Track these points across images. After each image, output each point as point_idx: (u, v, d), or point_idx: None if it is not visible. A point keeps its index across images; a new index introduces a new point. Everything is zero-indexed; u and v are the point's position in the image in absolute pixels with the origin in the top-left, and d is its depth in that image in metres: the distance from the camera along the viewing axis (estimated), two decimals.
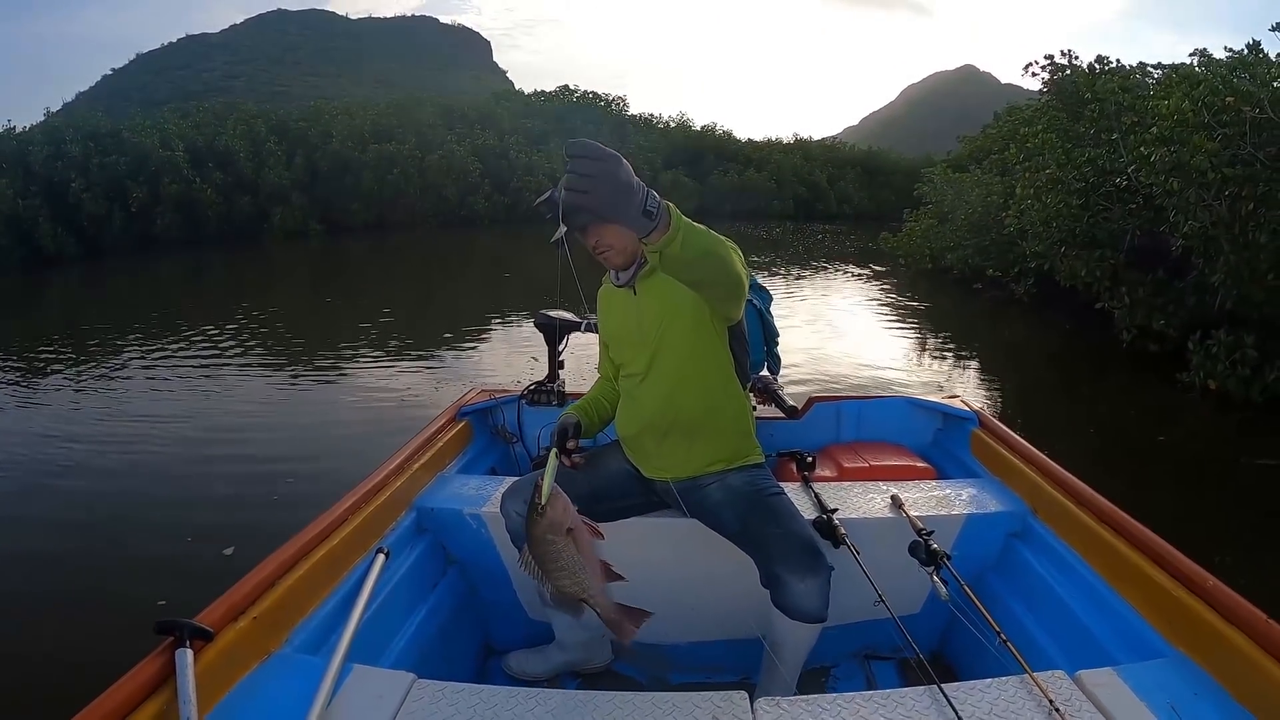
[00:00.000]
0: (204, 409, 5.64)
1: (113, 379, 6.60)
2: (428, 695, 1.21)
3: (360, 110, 27.78)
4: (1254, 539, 3.29)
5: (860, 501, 1.82)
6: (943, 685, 1.18)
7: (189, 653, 1.12)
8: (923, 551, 1.55)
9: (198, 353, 7.47)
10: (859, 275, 13.70)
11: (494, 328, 8.71)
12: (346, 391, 6.10)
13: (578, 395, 1.97)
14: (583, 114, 33.01)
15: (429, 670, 1.29)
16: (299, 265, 17.23)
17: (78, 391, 6.24)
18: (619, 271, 1.62)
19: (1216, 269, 5.50)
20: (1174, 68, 8.59)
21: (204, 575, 2.82)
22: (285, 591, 1.38)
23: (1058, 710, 1.13)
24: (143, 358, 7.36)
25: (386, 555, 1.63)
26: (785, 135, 42.39)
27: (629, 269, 1.59)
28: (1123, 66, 9.46)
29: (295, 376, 6.68)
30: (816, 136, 41.35)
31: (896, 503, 1.78)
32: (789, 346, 5.93)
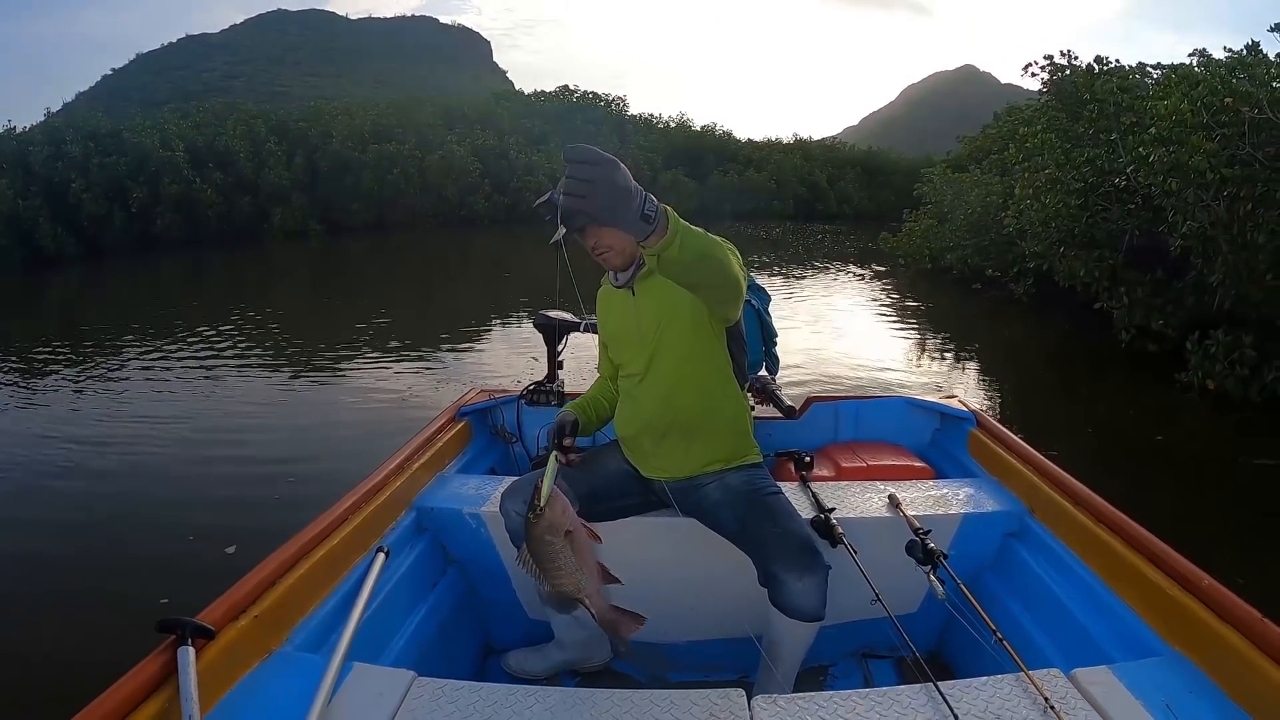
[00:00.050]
0: (204, 409, 5.65)
1: (113, 379, 6.61)
2: (428, 693, 1.22)
3: (360, 110, 27.81)
4: (1252, 539, 3.29)
5: (858, 501, 1.83)
6: (939, 683, 1.19)
7: (191, 651, 1.13)
8: (920, 551, 1.56)
9: (198, 353, 7.48)
10: (859, 275, 13.70)
11: (494, 328, 8.72)
12: (346, 391, 6.11)
13: (577, 395, 1.97)
14: (583, 114, 33.04)
15: (429, 669, 1.30)
16: (299, 265, 17.24)
17: (78, 392, 6.25)
18: (618, 272, 1.63)
19: (1215, 269, 5.50)
20: (1173, 68, 8.60)
21: (206, 574, 2.82)
22: (286, 590, 1.39)
23: (1053, 708, 1.13)
24: (143, 358, 7.37)
25: (386, 554, 1.64)
26: (785, 135, 42.48)
27: (628, 270, 1.61)
28: (1122, 67, 9.47)
29: (295, 376, 6.69)
30: (816, 136, 41.47)
31: (894, 502, 1.79)
32: (788, 347, 5.94)
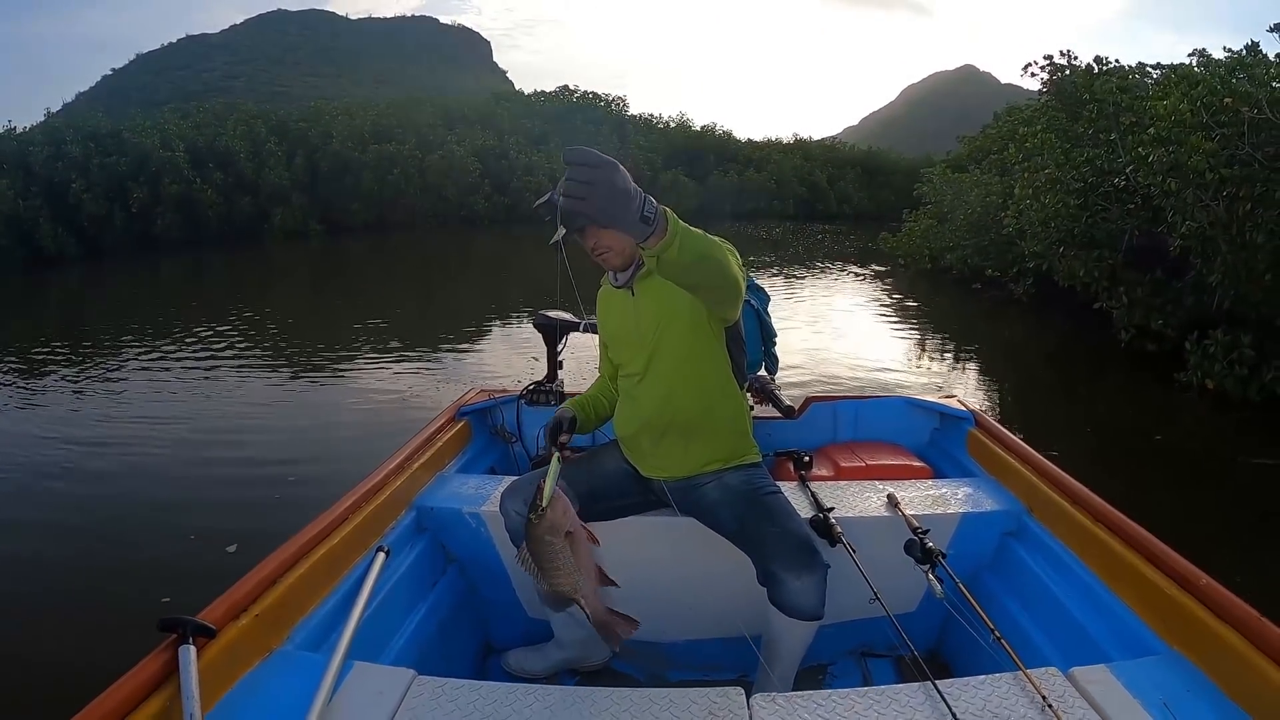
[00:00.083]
0: (204, 409, 5.65)
1: (113, 379, 6.62)
2: (428, 691, 1.22)
3: (360, 110, 27.82)
4: (1250, 538, 3.30)
5: (857, 500, 1.83)
6: (937, 682, 1.20)
7: (192, 649, 1.14)
8: (918, 550, 1.56)
9: (198, 353, 7.48)
10: (859, 275, 13.71)
11: (494, 328, 8.72)
12: (347, 391, 6.12)
13: (577, 395, 1.98)
14: (583, 114, 33.04)
15: (429, 668, 1.31)
16: (299, 265, 17.24)
17: (78, 392, 6.25)
18: (617, 273, 1.64)
19: (1214, 269, 5.51)
20: (1173, 68, 8.61)
21: (207, 573, 2.83)
22: (287, 589, 1.40)
23: (1050, 706, 1.14)
24: (143, 358, 7.38)
25: (387, 554, 1.64)
26: (785, 135, 42.45)
27: (627, 270, 1.61)
28: (1121, 67, 9.47)
29: (295, 376, 6.70)
30: (816, 136, 41.45)
31: (893, 502, 1.79)
32: (788, 347, 5.95)
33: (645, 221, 1.06)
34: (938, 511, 1.79)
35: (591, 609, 1.30)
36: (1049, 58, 9.25)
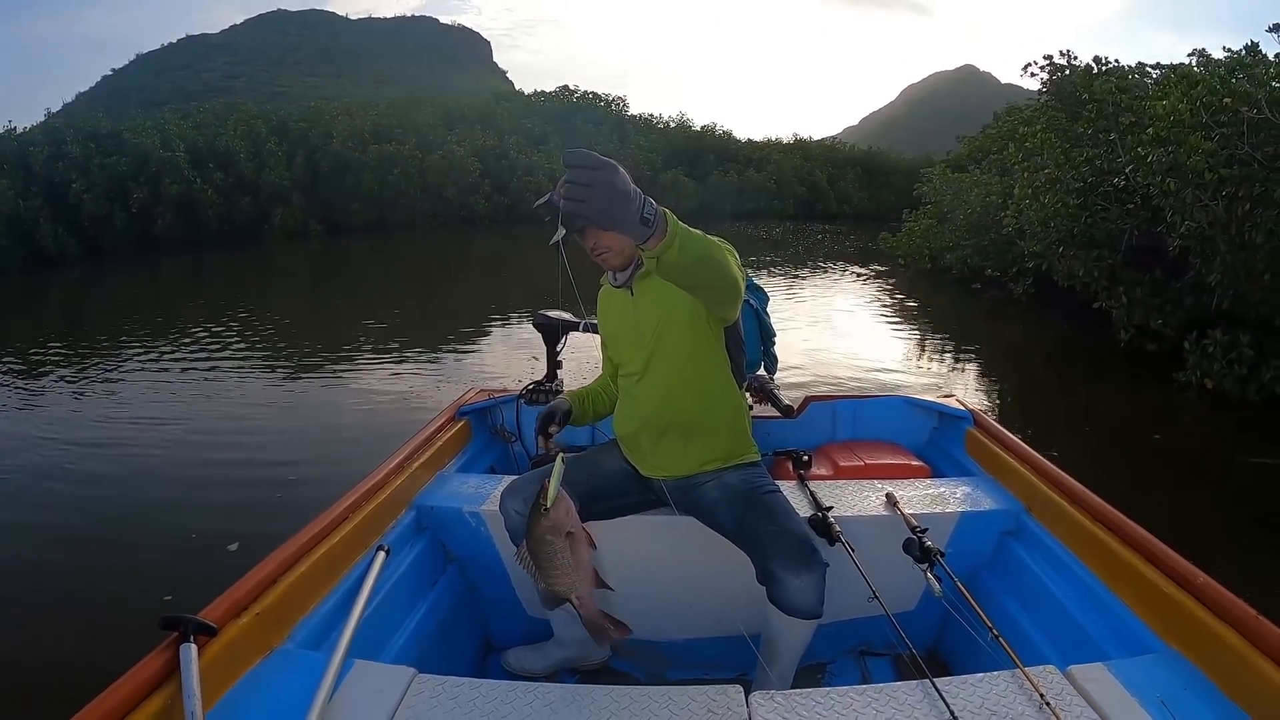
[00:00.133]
0: (205, 409, 5.66)
1: (113, 379, 6.62)
2: (428, 690, 1.23)
3: (360, 111, 27.83)
4: (1249, 537, 3.31)
5: (855, 499, 1.84)
6: (936, 680, 1.20)
7: (193, 648, 1.14)
8: (917, 549, 1.57)
9: (198, 353, 7.49)
10: (859, 275, 13.71)
11: (494, 328, 8.73)
12: (347, 391, 6.12)
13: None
14: (583, 114, 33.03)
15: (429, 667, 1.31)
16: (299, 265, 17.25)
17: (78, 393, 6.26)
18: (616, 273, 1.64)
19: (1213, 269, 5.51)
20: (1172, 68, 8.61)
21: (209, 571, 2.84)
22: (287, 588, 1.40)
23: (1049, 704, 1.14)
24: (143, 358, 7.38)
25: (387, 553, 1.64)
26: (785, 135, 42.43)
27: (626, 270, 1.62)
28: (1120, 66, 9.47)
29: (296, 376, 6.70)
30: (816, 136, 41.43)
31: (891, 501, 1.79)
32: (788, 347, 5.94)
33: (645, 223, 1.07)
34: (936, 511, 1.80)
35: (585, 610, 1.31)
36: (1049, 58, 9.26)
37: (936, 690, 1.18)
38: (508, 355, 7.17)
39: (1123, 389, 6.09)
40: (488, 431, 2.47)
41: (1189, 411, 5.27)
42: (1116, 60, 9.60)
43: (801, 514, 1.66)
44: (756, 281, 2.12)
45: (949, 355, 7.66)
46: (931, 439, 2.44)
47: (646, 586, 1.74)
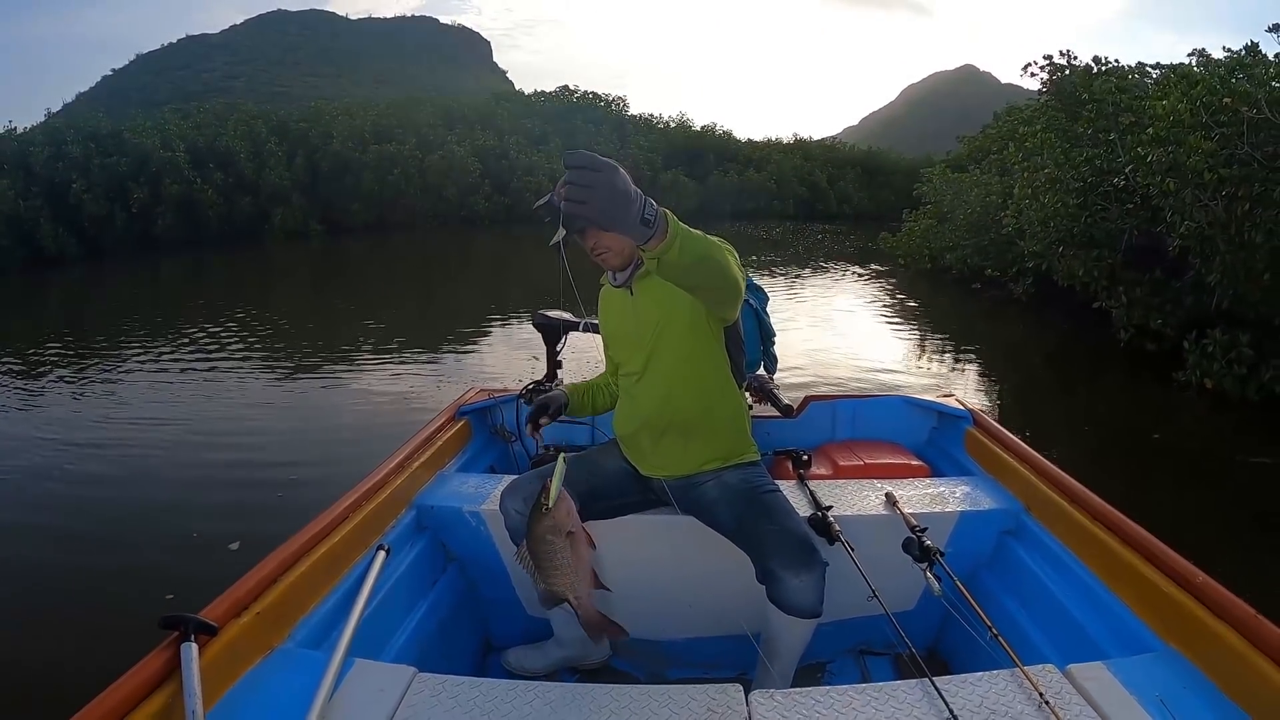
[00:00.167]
0: (205, 409, 5.66)
1: (114, 380, 6.62)
2: (428, 688, 1.23)
3: (360, 111, 27.82)
4: (1248, 537, 3.31)
5: (855, 499, 1.84)
6: (935, 679, 1.20)
7: (194, 647, 1.14)
8: (917, 548, 1.57)
9: (198, 353, 7.49)
10: (859, 275, 13.71)
11: (494, 328, 8.73)
12: (347, 391, 6.12)
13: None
14: (583, 114, 33.01)
15: (429, 666, 1.31)
16: (299, 265, 17.25)
17: (78, 393, 6.26)
18: (616, 272, 1.65)
19: (1213, 269, 5.51)
20: (1172, 68, 8.61)
21: (211, 570, 2.84)
22: (288, 587, 1.40)
23: (1047, 703, 1.14)
24: (143, 358, 7.38)
25: (387, 552, 1.65)
26: (785, 135, 42.41)
27: (625, 270, 1.62)
28: (1120, 66, 9.47)
29: (297, 377, 6.70)
30: (816, 136, 41.39)
31: (891, 500, 1.80)
32: (788, 347, 5.95)
33: (646, 224, 1.07)
34: (936, 510, 1.80)
35: (583, 611, 1.32)
36: (1049, 58, 9.26)
37: (936, 689, 1.18)
38: (508, 355, 7.17)
39: (1122, 389, 6.10)
40: (488, 431, 2.47)
41: (1188, 411, 5.27)
42: (1116, 60, 9.60)
43: (801, 513, 1.66)
44: (756, 281, 2.12)
45: (949, 355, 7.67)
46: (931, 439, 2.44)
47: (646, 586, 1.74)
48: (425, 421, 2.29)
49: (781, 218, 28.79)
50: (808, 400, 2.47)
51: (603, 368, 1.92)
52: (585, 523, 1.41)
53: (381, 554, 1.63)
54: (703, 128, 36.38)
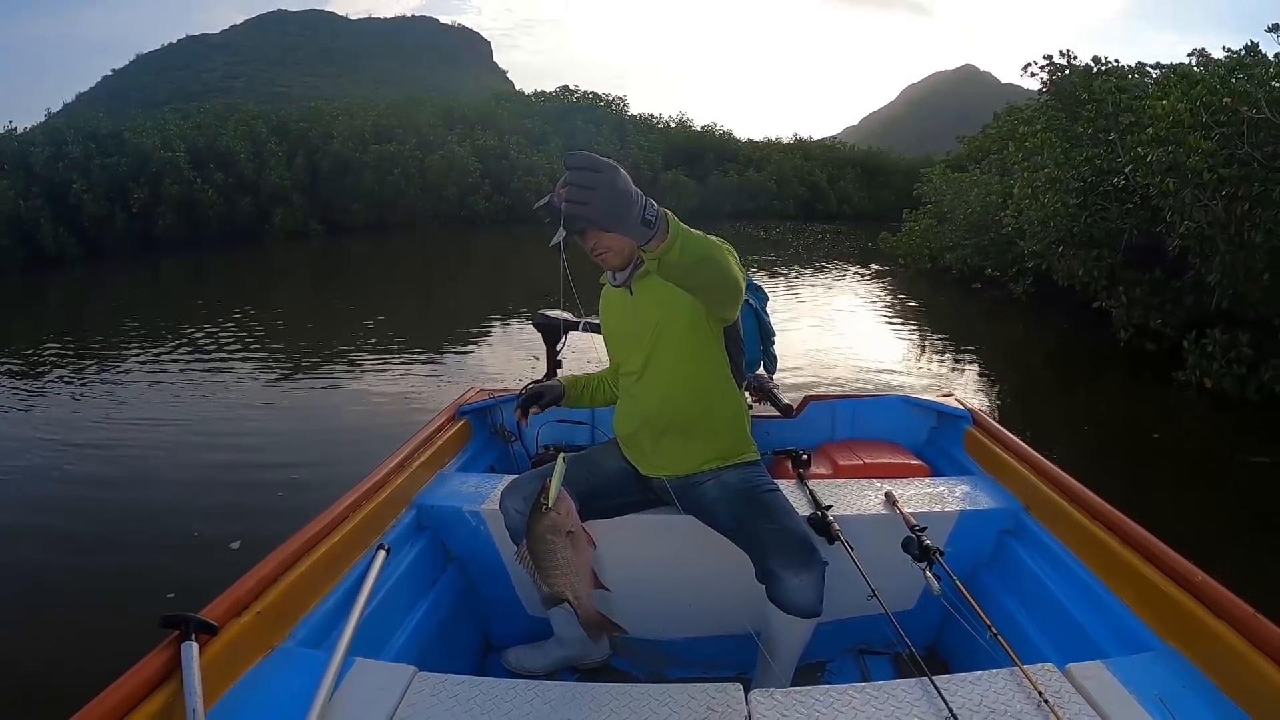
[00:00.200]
0: (205, 410, 5.66)
1: (114, 380, 6.62)
2: (429, 687, 1.23)
3: (361, 111, 27.81)
4: (1247, 536, 3.31)
5: (854, 498, 1.84)
6: (934, 678, 1.20)
7: (194, 646, 1.14)
8: (916, 548, 1.57)
9: (198, 353, 7.49)
10: (859, 275, 13.71)
11: (494, 328, 8.74)
12: (347, 391, 6.13)
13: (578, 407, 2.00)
14: (583, 114, 32.99)
15: (429, 665, 1.31)
16: (300, 266, 17.25)
17: (78, 393, 6.26)
18: (615, 272, 1.65)
19: (1212, 268, 5.51)
20: (1172, 68, 8.61)
21: (212, 570, 2.84)
22: (288, 587, 1.40)
23: (1047, 702, 1.14)
24: (144, 359, 7.38)
25: (387, 552, 1.65)
26: (785, 135, 42.37)
27: (625, 270, 1.62)
28: (1120, 66, 9.47)
29: (297, 377, 6.71)
30: (816, 136, 41.35)
31: (890, 500, 1.80)
32: (788, 347, 5.94)
33: (647, 224, 1.07)
34: (935, 509, 1.80)
35: (583, 610, 1.32)
36: (1049, 58, 9.25)
37: (935, 688, 1.18)
38: (508, 355, 7.17)
39: (1122, 388, 6.10)
40: (488, 431, 2.47)
41: (1188, 411, 5.27)
42: (1116, 60, 9.60)
43: (801, 513, 1.66)
44: (756, 281, 2.13)
45: (949, 355, 7.67)
46: (930, 438, 2.44)
47: (646, 585, 1.74)
48: (425, 421, 2.29)
49: (782, 218, 28.78)
50: (807, 400, 2.47)
51: (604, 367, 1.93)
52: (585, 522, 1.41)
53: (382, 553, 1.63)
54: (703, 128, 36.38)
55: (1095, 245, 7.05)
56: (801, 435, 2.36)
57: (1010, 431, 2.12)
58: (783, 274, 13.40)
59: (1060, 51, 9.21)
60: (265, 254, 19.21)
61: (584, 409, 2.18)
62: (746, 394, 1.98)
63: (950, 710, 1.14)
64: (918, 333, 8.64)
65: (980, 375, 6.88)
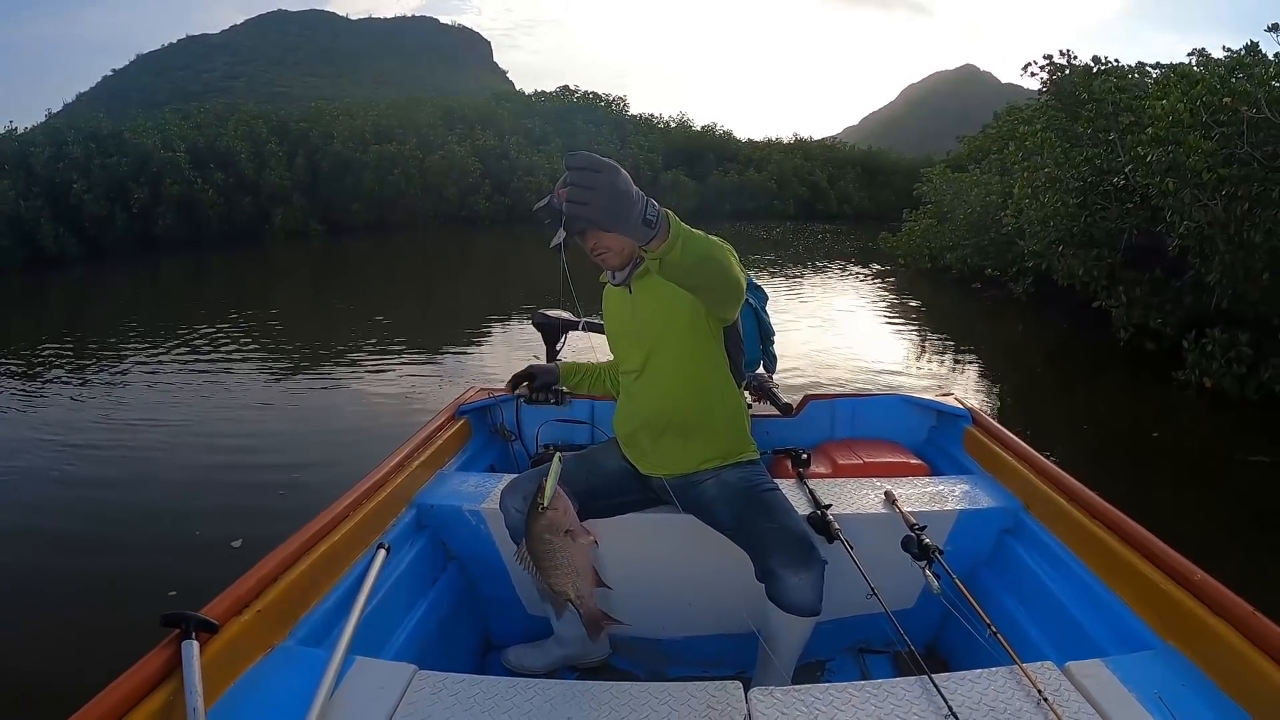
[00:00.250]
0: (206, 410, 5.66)
1: (114, 380, 6.62)
2: (429, 686, 1.23)
3: (361, 111, 27.78)
4: (1247, 535, 3.32)
5: (854, 497, 1.84)
6: (934, 676, 1.20)
7: (195, 644, 1.15)
8: (916, 547, 1.57)
9: (199, 354, 7.49)
10: (859, 275, 13.72)
11: (494, 328, 8.74)
12: (347, 391, 6.13)
13: (575, 395, 2.01)
14: (583, 114, 32.97)
15: (429, 664, 1.31)
16: (300, 266, 17.25)
17: (78, 393, 6.26)
18: (615, 272, 1.65)
19: (1212, 268, 5.52)
20: (1172, 68, 8.61)
21: (213, 568, 2.84)
22: (288, 586, 1.40)
23: (1046, 700, 1.15)
24: (144, 359, 7.38)
25: (387, 551, 1.65)
26: (785, 135, 42.34)
27: (624, 269, 1.62)
28: (1120, 66, 9.47)
29: (297, 376, 6.71)
30: (816, 136, 41.32)
31: (890, 499, 1.80)
32: (788, 346, 5.95)
33: (648, 224, 1.07)
34: (935, 508, 1.80)
35: (586, 609, 1.32)
36: (1049, 58, 9.25)
37: (935, 687, 1.18)
38: (508, 355, 7.18)
39: (1122, 388, 6.11)
40: (487, 430, 2.48)
41: (1188, 410, 5.28)
42: (1116, 60, 9.60)
43: (800, 512, 1.67)
44: (756, 281, 2.13)
45: (949, 354, 7.67)
46: (930, 437, 2.44)
47: (646, 584, 1.75)
48: (425, 421, 2.29)
49: (782, 217, 28.78)
50: (807, 399, 2.47)
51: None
52: (585, 521, 1.41)
53: (382, 552, 1.63)
54: (703, 128, 36.35)
55: (1095, 245, 7.05)
56: (801, 434, 2.37)
57: (1010, 431, 2.12)
58: (783, 274, 13.40)
59: (1060, 51, 9.22)
60: (265, 254, 19.20)
61: (583, 409, 2.19)
62: (746, 393, 1.98)
63: (950, 709, 1.14)
64: (918, 332, 8.65)
65: (980, 375, 6.88)
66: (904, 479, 1.98)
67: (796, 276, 13.25)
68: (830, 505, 1.73)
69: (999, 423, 2.21)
